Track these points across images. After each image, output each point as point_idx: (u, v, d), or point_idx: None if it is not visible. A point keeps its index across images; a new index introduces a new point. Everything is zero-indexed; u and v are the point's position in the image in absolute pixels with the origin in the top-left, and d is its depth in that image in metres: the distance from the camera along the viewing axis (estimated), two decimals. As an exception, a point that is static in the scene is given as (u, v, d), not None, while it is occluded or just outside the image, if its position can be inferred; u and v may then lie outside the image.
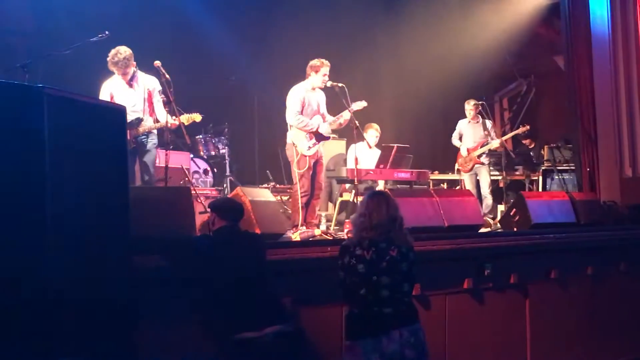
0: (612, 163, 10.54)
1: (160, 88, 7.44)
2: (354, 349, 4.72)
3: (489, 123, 10.50)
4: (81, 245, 4.10)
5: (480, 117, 10.42)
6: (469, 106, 10.42)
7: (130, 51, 7.28)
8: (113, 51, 7.26)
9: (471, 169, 10.30)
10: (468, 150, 10.33)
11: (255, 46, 10.93)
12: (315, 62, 8.05)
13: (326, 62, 8.05)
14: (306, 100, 7.99)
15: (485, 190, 10.14)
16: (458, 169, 10.63)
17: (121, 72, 7.32)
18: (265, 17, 11.14)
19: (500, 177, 10.89)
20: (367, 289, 4.67)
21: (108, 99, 7.23)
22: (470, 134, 10.44)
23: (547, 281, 7.71)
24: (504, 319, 7.37)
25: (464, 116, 10.47)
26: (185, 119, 7.48)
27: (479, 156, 10.24)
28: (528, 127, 10.69)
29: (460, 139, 10.54)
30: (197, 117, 7.61)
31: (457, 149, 10.56)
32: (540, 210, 8.39)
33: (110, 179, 4.36)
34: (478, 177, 10.32)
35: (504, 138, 10.69)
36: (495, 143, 10.41)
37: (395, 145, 9.05)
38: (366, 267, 4.67)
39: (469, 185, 10.31)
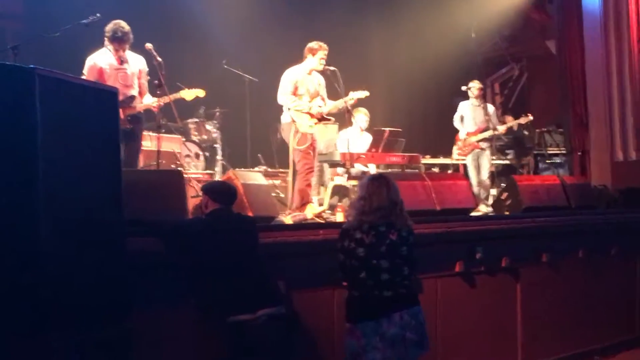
0: (603, 147, 10.59)
1: (147, 69, 7.40)
2: (354, 331, 4.73)
3: (490, 108, 10.41)
4: (73, 227, 4.08)
5: (483, 99, 10.33)
6: (474, 86, 10.22)
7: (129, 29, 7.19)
8: (113, 26, 7.14)
9: (468, 153, 10.16)
10: (468, 134, 10.20)
11: (246, 30, 10.88)
12: (313, 44, 8.04)
13: (324, 46, 8.05)
14: (300, 83, 7.99)
15: (485, 175, 10.07)
16: (457, 153, 10.46)
17: (119, 48, 7.18)
18: (257, 1, 11.08)
19: (503, 162, 10.85)
20: (367, 272, 4.67)
21: (96, 74, 7.12)
22: (472, 116, 10.24)
23: (539, 264, 7.73)
24: (496, 302, 7.40)
25: (457, 99, 10.37)
26: (188, 94, 7.42)
27: (479, 141, 10.16)
28: (531, 117, 10.62)
29: (462, 121, 10.34)
30: (201, 93, 7.55)
31: (456, 132, 10.42)
32: (531, 194, 8.42)
33: (103, 161, 4.33)
34: (476, 163, 10.16)
35: (508, 125, 10.65)
36: (500, 129, 10.36)
37: (387, 129, 9.06)
38: (366, 250, 4.68)
39: (471, 168, 10.13)
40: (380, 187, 4.80)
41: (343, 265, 4.78)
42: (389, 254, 4.67)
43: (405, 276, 4.74)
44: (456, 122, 10.38)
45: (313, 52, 8.02)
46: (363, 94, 8.18)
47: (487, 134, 10.16)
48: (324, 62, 8.04)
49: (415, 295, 4.84)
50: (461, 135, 10.26)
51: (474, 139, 10.12)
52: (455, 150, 10.46)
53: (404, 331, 4.64)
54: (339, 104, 8.13)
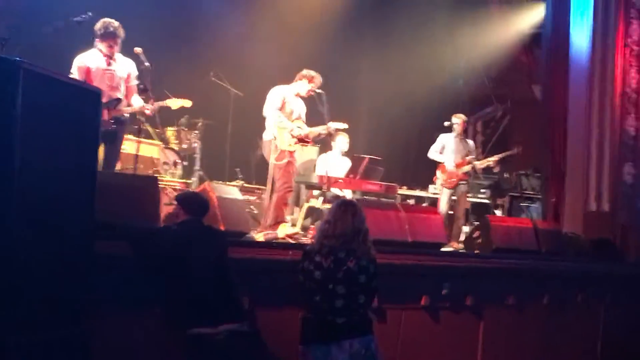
0: (578, 196, 10.68)
1: (136, 73, 7.38)
2: (306, 354, 4.74)
3: (471, 142, 10.43)
4: (45, 224, 4.04)
5: (465, 134, 10.33)
6: (458, 120, 10.15)
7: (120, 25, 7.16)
8: (103, 23, 7.10)
9: (454, 186, 9.97)
10: (457, 164, 10.00)
11: (236, 45, 10.91)
12: (312, 73, 8.19)
13: (320, 79, 8.19)
14: (287, 101, 8.05)
15: (462, 210, 10.03)
16: (441, 184, 10.15)
17: (111, 45, 7.13)
18: (248, 19, 11.12)
19: (475, 199, 10.89)
20: (322, 296, 4.68)
21: (83, 74, 7.07)
22: (455, 149, 10.07)
23: (503, 306, 7.75)
24: (457, 339, 7.40)
25: (441, 132, 10.32)
26: (174, 103, 7.41)
27: (466, 173, 10.09)
28: (520, 148, 10.67)
29: (440, 153, 10.14)
30: (187, 103, 7.55)
31: (434, 163, 10.20)
32: (503, 235, 8.47)
33: (80, 161, 4.31)
34: (454, 196, 10.07)
35: (496, 158, 10.66)
36: (489, 160, 10.39)
37: (367, 156, 9.09)
38: (323, 274, 4.68)
39: (444, 202, 9.96)
40: (346, 213, 4.81)
41: (302, 287, 4.78)
42: (346, 281, 4.67)
43: (361, 305, 4.73)
44: (433, 154, 10.16)
45: (310, 79, 8.14)
46: (342, 125, 8.32)
47: (477, 164, 10.16)
48: (313, 93, 8.16)
49: (369, 324, 4.84)
50: (448, 166, 10.00)
51: (464, 169, 10.03)
52: (439, 182, 10.18)
53: (352, 359, 4.64)
54: (321, 129, 8.20)
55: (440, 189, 10.12)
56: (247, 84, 10.18)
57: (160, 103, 7.35)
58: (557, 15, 10.91)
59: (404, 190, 10.71)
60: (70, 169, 4.24)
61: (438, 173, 10.16)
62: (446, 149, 10.14)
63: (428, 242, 7.58)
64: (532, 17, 12.40)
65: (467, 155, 10.10)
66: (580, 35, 10.83)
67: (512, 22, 12.59)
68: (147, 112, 7.33)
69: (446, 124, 10.29)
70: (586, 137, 10.72)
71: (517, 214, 11.30)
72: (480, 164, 10.30)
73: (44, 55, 6.89)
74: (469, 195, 10.91)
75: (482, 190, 11.66)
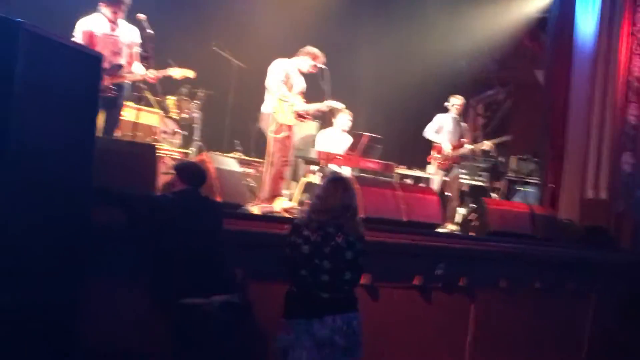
0: (575, 183, 10.68)
1: (139, 40, 7.35)
2: (287, 327, 4.75)
3: (464, 125, 10.42)
4: (41, 188, 4.06)
5: (461, 116, 10.31)
6: (457, 101, 10.13)
7: None
8: None
9: (448, 167, 10.01)
10: (453, 146, 10.02)
11: (239, 17, 10.84)
12: (316, 50, 8.19)
13: (323, 56, 8.19)
14: (289, 75, 8.04)
15: (456, 193, 10.04)
16: (438, 165, 10.12)
17: (113, 12, 7.10)
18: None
19: (463, 180, 10.91)
20: (308, 270, 4.67)
21: (87, 38, 7.04)
22: (452, 131, 10.09)
23: (495, 289, 7.77)
24: (448, 320, 7.42)
25: (441, 112, 10.32)
26: (177, 72, 7.38)
27: (460, 155, 10.12)
28: (511, 136, 10.70)
29: (437, 133, 10.11)
30: (190, 73, 7.51)
31: (429, 143, 10.20)
32: (499, 219, 8.48)
33: (78, 125, 4.31)
34: (446, 178, 10.05)
35: (494, 142, 10.68)
36: (483, 145, 10.42)
37: (367, 134, 9.08)
38: (310, 248, 4.68)
39: (437, 182, 9.97)
40: (336, 189, 4.80)
41: (287, 260, 4.79)
42: (332, 256, 4.67)
43: (346, 281, 4.73)
44: (430, 134, 10.14)
45: (314, 57, 8.12)
46: (339, 105, 8.30)
47: (473, 147, 10.19)
48: (316, 69, 8.17)
49: (354, 301, 4.85)
50: (445, 147, 10.01)
51: (460, 151, 10.05)
52: (434, 162, 10.18)
53: (333, 335, 4.65)
54: (319, 106, 8.20)
55: (436, 170, 10.13)
56: (249, 56, 10.14)
57: (163, 72, 7.33)
58: (564, 1, 10.85)
59: (402, 170, 10.70)
60: (68, 134, 4.24)
61: (433, 153, 10.14)
62: (443, 130, 10.13)
63: (423, 222, 7.58)
64: (538, 1, 12.33)
65: (461, 138, 10.11)
66: (586, 22, 10.77)
67: (518, 5, 12.50)
68: (151, 78, 7.31)
69: (446, 104, 10.25)
70: (586, 124, 10.70)
71: (514, 198, 11.29)
72: (474, 148, 10.31)
73: (46, 17, 6.86)
74: (467, 177, 10.93)
75: (480, 173, 11.65)
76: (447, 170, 10.05)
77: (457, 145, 10.06)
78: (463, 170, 10.98)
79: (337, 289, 4.70)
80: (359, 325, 4.80)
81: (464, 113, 10.53)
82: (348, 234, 4.72)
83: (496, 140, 10.94)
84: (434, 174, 10.18)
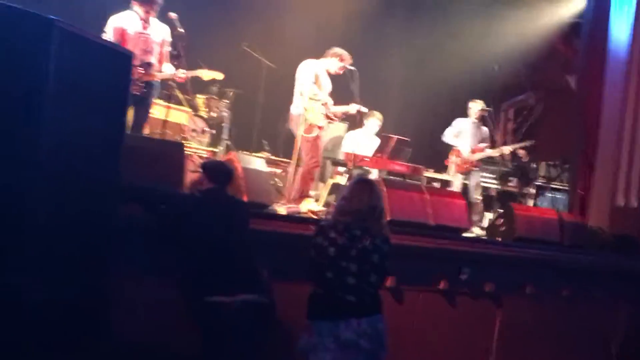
0: (606, 190, 10.55)
1: (170, 39, 7.39)
2: (310, 329, 4.74)
3: (485, 130, 10.36)
4: (69, 183, 4.09)
5: (481, 121, 10.28)
6: (476, 106, 10.12)
7: None
8: None
9: (467, 171, 10.02)
10: (473, 150, 10.01)
11: (271, 17, 10.86)
12: (343, 52, 8.18)
13: (350, 57, 8.18)
14: (319, 76, 8.05)
15: (477, 195, 9.99)
16: (456, 169, 10.14)
17: (148, 10, 7.16)
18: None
19: (491, 185, 10.86)
20: (334, 273, 4.66)
21: (118, 35, 7.09)
22: (471, 135, 10.08)
23: (522, 295, 7.71)
24: (473, 326, 7.39)
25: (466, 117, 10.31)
26: (206, 74, 7.42)
27: (480, 159, 10.13)
28: (534, 141, 10.65)
29: (456, 137, 10.14)
30: (219, 76, 7.58)
31: (449, 147, 10.22)
32: (527, 225, 8.41)
33: (108, 122, 4.34)
34: (466, 182, 10.06)
35: (513, 147, 10.63)
36: (506, 149, 10.37)
37: (396, 136, 9.05)
38: (337, 251, 4.66)
39: (456, 187, 9.96)
40: (363, 191, 4.78)
41: (313, 262, 4.78)
42: (359, 259, 4.65)
43: (372, 284, 4.71)
44: (448, 138, 10.17)
45: (342, 58, 8.12)
46: (364, 108, 8.33)
47: (492, 152, 10.16)
48: (345, 70, 8.15)
49: (379, 304, 4.83)
50: (464, 151, 10.03)
51: (478, 156, 10.04)
52: (452, 166, 10.18)
53: (358, 338, 4.63)
54: (346, 108, 8.20)
55: (454, 173, 10.11)
56: (278, 56, 10.15)
57: (192, 72, 7.37)
58: (598, 5, 10.74)
59: (430, 173, 10.64)
60: (98, 130, 4.27)
61: (452, 157, 10.14)
62: (462, 134, 10.12)
63: (450, 226, 7.54)
64: (573, 6, 12.21)
65: (481, 142, 10.07)
66: (620, 28, 10.65)
67: (551, 10, 12.41)
68: (180, 78, 7.36)
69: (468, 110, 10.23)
70: (619, 131, 10.57)
71: (542, 204, 11.19)
72: (494, 153, 10.26)
73: (78, 15, 6.92)
74: (494, 182, 10.87)
75: (509, 179, 11.56)
76: (465, 174, 10.04)
77: (476, 150, 10.02)
78: (486, 175, 10.94)
79: (362, 291, 4.69)
80: (383, 329, 4.78)
81: (494, 119, 10.44)
82: (375, 236, 4.70)
83: (517, 145, 10.90)
84: (452, 178, 10.17)
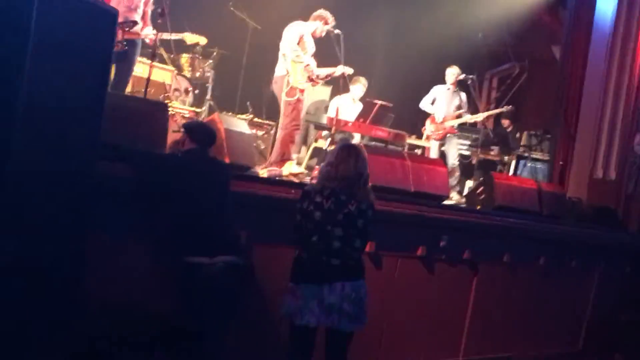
0: (586, 162, 10.65)
1: None
2: (295, 292, 4.80)
3: (464, 96, 10.38)
4: (47, 141, 4.06)
5: (457, 87, 10.32)
6: (452, 71, 10.17)
7: None
8: None
9: (441, 137, 10.11)
10: (444, 117, 10.13)
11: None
12: (326, 14, 8.20)
13: (333, 19, 8.18)
14: (304, 40, 8.02)
15: (454, 161, 10.05)
16: (427, 135, 10.36)
17: None
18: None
19: (469, 153, 10.92)
20: (320, 237, 4.72)
21: None
22: (446, 101, 10.16)
23: (499, 263, 7.81)
24: (449, 292, 7.47)
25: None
26: (189, 37, 7.37)
27: (453, 126, 10.18)
28: (512, 107, 10.73)
29: (432, 104, 10.26)
30: (202, 40, 7.56)
31: (425, 114, 10.36)
32: (506, 194, 8.47)
33: (90, 80, 4.29)
34: (444, 148, 10.15)
35: (488, 113, 10.71)
36: (479, 116, 10.44)
37: (379, 102, 9.06)
38: (322, 215, 4.73)
39: (434, 153, 10.10)
40: (349, 157, 4.83)
41: (298, 226, 4.83)
42: (344, 224, 4.72)
43: (356, 248, 4.80)
44: (425, 105, 10.28)
45: (325, 20, 8.11)
46: (349, 70, 8.35)
47: (466, 119, 10.22)
48: (331, 33, 8.16)
49: (362, 269, 4.90)
50: (438, 117, 10.12)
51: (450, 122, 10.10)
52: (426, 132, 10.34)
53: (342, 301, 4.71)
54: (329, 71, 8.20)
55: (430, 139, 10.24)
56: (265, 17, 10.07)
57: (176, 35, 7.31)
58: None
59: (412, 140, 10.67)
60: (79, 89, 4.22)
61: (427, 123, 10.26)
62: (437, 101, 10.22)
63: (430, 194, 7.58)
64: (560, -25, 12.20)
65: (458, 109, 10.12)
66: (606, 2, 10.65)
67: (538, -21, 12.39)
68: (149, 40, 7.29)
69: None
70: (600, 104, 10.64)
71: (522, 174, 11.27)
72: (470, 119, 10.39)
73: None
74: (474, 149, 10.92)
75: (490, 147, 11.61)
76: (441, 140, 10.10)
77: (448, 117, 10.09)
78: (466, 142, 11.01)
79: (347, 255, 4.75)
80: (365, 293, 4.85)
81: (477, 87, 10.48)
82: (360, 201, 4.76)
83: (490, 112, 11.00)
84: (428, 144, 10.29)
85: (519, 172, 11.36)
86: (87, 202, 4.44)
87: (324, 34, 8.19)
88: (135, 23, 7.15)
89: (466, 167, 10.89)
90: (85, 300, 4.53)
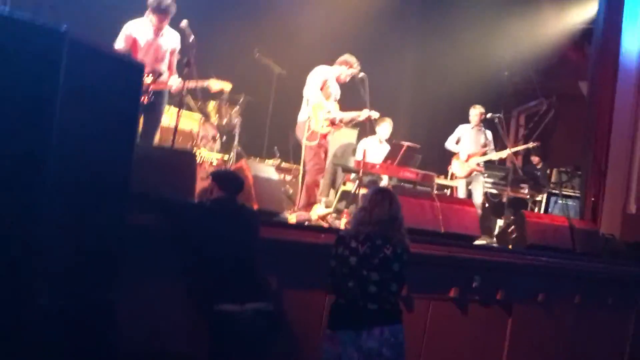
0: (618, 197, 10.50)
1: (179, 47, 7.40)
2: (333, 338, 4.76)
3: (489, 134, 10.46)
4: (78, 190, 4.12)
5: (482, 125, 10.39)
6: (475, 111, 10.34)
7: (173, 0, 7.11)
8: None
9: (467, 176, 10.19)
10: (469, 155, 10.22)
11: (283, 22, 10.85)
12: (352, 59, 8.26)
13: (358, 64, 8.24)
14: (328, 84, 8.09)
15: (478, 200, 10.04)
16: (452, 174, 10.46)
17: (161, 20, 7.11)
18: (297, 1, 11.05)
19: (497, 191, 10.89)
20: (356, 282, 4.70)
21: (130, 43, 7.09)
22: (471, 140, 10.31)
23: (533, 303, 7.69)
24: (484, 333, 7.38)
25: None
26: (215, 84, 7.40)
27: (479, 164, 10.19)
28: (539, 143, 10.71)
29: (457, 144, 10.42)
30: (227, 86, 7.56)
31: (452, 153, 10.47)
32: (538, 232, 8.38)
33: (118, 132, 4.36)
34: (470, 187, 10.22)
35: (513, 150, 10.67)
36: (504, 153, 10.42)
37: (406, 144, 9.05)
38: (358, 260, 4.71)
39: (462, 192, 10.22)
40: (383, 201, 4.83)
41: (334, 272, 4.82)
42: (381, 268, 4.70)
43: (392, 292, 4.76)
44: (450, 144, 10.46)
45: (349, 65, 8.17)
46: (375, 114, 8.34)
47: (491, 156, 10.21)
48: (356, 77, 8.22)
49: (399, 313, 4.86)
50: (462, 156, 10.26)
51: (476, 160, 10.13)
52: (451, 171, 10.45)
53: (381, 347, 4.67)
54: (354, 115, 8.24)
55: (455, 178, 10.35)
56: (291, 62, 10.15)
57: (201, 83, 7.33)
58: (610, 13, 10.67)
59: (441, 180, 10.64)
60: (108, 140, 4.29)
61: (452, 162, 10.39)
62: (462, 140, 10.38)
63: (460, 234, 7.53)
64: (584, 12, 12.17)
65: (484, 147, 10.18)
66: (632, 36, 10.60)
67: (563, 16, 12.39)
68: (174, 90, 7.33)
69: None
70: (630, 138, 10.52)
71: (554, 211, 11.15)
72: (496, 156, 10.43)
73: (93, 21, 6.96)
74: (503, 188, 10.86)
75: (520, 185, 11.53)
76: (468, 179, 10.21)
77: (473, 155, 10.19)
78: (496, 181, 10.99)
79: (384, 300, 4.73)
80: (404, 337, 4.81)
81: (504, 124, 10.49)
82: (396, 245, 4.74)
83: (517, 148, 10.97)
84: (455, 183, 10.37)
85: (550, 209, 11.24)
86: (117, 251, 4.48)
87: (348, 79, 8.25)
88: (161, 74, 7.23)
89: (496, 206, 10.81)
90: (116, 349, 4.54)
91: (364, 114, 8.26)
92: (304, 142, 7.91)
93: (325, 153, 8.21)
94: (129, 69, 4.39)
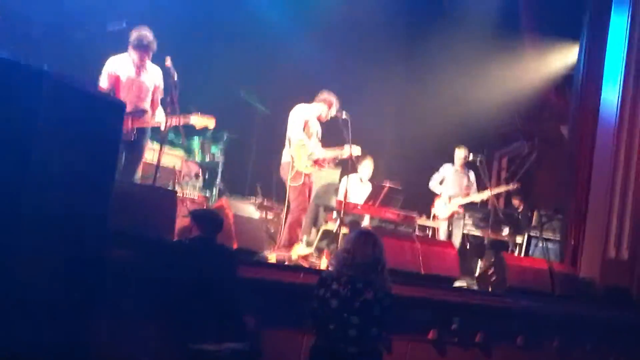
0: (598, 242, 10.52)
1: (163, 85, 7.40)
2: None
3: (472, 175, 10.54)
4: (56, 229, 4.11)
5: (466, 167, 10.46)
6: (460, 153, 10.40)
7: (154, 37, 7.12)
8: (137, 33, 7.06)
9: (449, 217, 10.27)
10: (450, 198, 10.30)
11: (267, 65, 10.92)
12: (331, 97, 8.27)
13: (338, 103, 8.25)
14: (309, 123, 8.12)
15: (457, 242, 10.08)
16: (434, 215, 10.49)
17: (142, 56, 7.12)
18: (279, 39, 11.14)
19: (480, 233, 10.92)
20: (337, 324, 4.68)
21: (112, 81, 7.09)
22: (454, 182, 10.39)
23: (512, 346, 7.67)
24: (463, 376, 7.34)
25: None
26: (198, 121, 7.30)
27: (460, 206, 10.24)
28: (519, 185, 10.77)
29: (441, 184, 10.47)
30: (211, 123, 7.35)
31: (434, 193, 10.51)
32: (518, 274, 8.37)
33: (97, 170, 4.37)
34: (451, 229, 10.28)
35: (494, 192, 10.71)
36: (484, 195, 10.46)
37: (388, 185, 9.08)
38: (339, 303, 4.69)
39: (442, 233, 10.25)
40: (366, 244, 4.81)
41: (314, 313, 4.79)
42: (361, 312, 4.68)
43: (372, 337, 4.74)
44: (434, 185, 10.51)
45: (329, 104, 8.19)
46: (356, 150, 8.33)
47: (473, 198, 10.26)
48: (330, 117, 8.26)
49: (379, 355, 4.85)
50: (444, 197, 10.33)
51: (457, 202, 10.19)
52: (433, 212, 10.48)
53: None
54: (336, 153, 8.24)
55: (437, 220, 10.38)
56: (273, 101, 10.22)
57: (185, 120, 7.27)
58: (590, 60, 10.78)
59: (422, 221, 10.66)
60: (87, 177, 4.30)
61: (436, 203, 10.43)
62: (446, 181, 10.47)
63: (440, 276, 7.53)
64: (565, 58, 12.35)
65: (467, 189, 10.29)
66: (612, 83, 10.70)
67: (544, 61, 12.54)
68: (171, 125, 7.33)
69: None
70: (610, 183, 10.57)
71: (534, 254, 11.17)
72: (477, 198, 10.47)
73: (74, 59, 6.97)
74: (483, 230, 10.89)
75: (501, 227, 11.55)
76: (448, 220, 10.26)
77: (459, 196, 10.29)
78: (476, 223, 11.00)
79: (364, 344, 4.70)
80: None
81: (485, 167, 10.55)
82: (378, 289, 4.72)
83: (498, 189, 11.02)
84: (437, 224, 10.40)
85: (530, 252, 11.26)
86: (95, 288, 4.46)
87: (329, 118, 8.28)
88: (144, 112, 7.22)
89: (477, 248, 10.83)
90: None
91: (345, 151, 8.28)
92: (289, 183, 7.91)
93: (310, 191, 8.23)
94: (109, 107, 4.41)
